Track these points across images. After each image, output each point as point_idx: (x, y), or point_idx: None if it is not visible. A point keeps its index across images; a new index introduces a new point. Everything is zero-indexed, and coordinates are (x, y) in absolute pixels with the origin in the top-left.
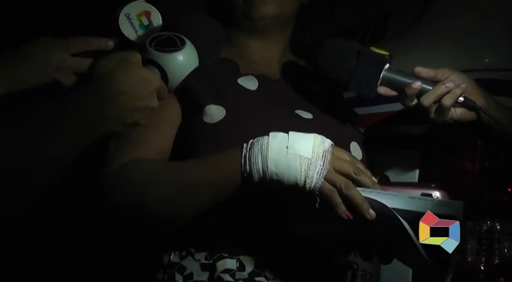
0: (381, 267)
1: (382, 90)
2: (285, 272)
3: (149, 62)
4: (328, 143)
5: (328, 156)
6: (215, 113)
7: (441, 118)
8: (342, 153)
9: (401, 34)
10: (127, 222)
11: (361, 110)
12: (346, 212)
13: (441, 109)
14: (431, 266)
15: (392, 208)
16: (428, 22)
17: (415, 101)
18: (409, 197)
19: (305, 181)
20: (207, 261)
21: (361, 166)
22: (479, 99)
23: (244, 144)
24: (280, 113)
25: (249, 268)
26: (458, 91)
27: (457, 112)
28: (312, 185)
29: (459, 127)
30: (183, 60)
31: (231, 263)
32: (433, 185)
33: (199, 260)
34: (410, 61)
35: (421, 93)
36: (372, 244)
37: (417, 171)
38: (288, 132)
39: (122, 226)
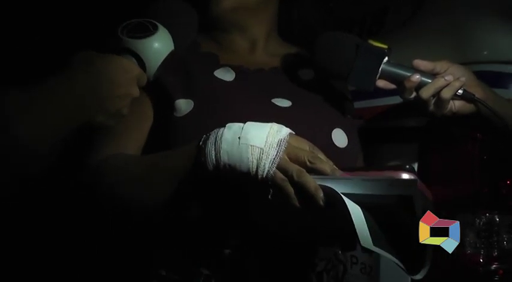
0: (381, 260)
1: (381, 83)
2: (265, 268)
3: (123, 51)
4: (285, 132)
5: (283, 146)
6: (184, 106)
7: (440, 111)
8: (300, 142)
9: (399, 28)
10: (105, 212)
11: (359, 104)
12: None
13: (440, 102)
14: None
15: (345, 193)
16: (427, 15)
17: (414, 94)
18: (362, 180)
19: (257, 170)
20: (188, 254)
21: (320, 155)
22: (478, 92)
23: (203, 136)
24: (253, 102)
25: (227, 263)
26: (457, 84)
27: (456, 105)
28: (264, 174)
29: (458, 120)
30: (158, 45)
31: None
32: (407, 166)
33: (180, 254)
34: (408, 55)
35: (420, 86)
36: (353, 233)
37: (416, 165)
38: (246, 123)
39: (101, 218)
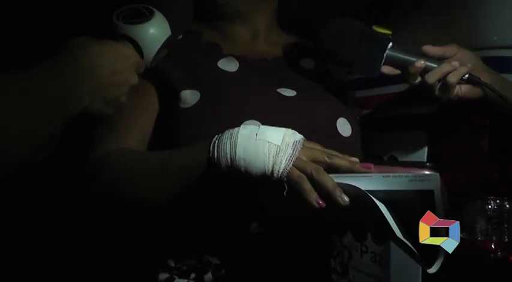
0: (391, 249)
1: (386, 69)
2: (272, 255)
3: (120, 37)
4: (299, 136)
5: (299, 146)
6: (189, 97)
7: (446, 95)
8: (313, 145)
9: (407, 14)
10: (104, 208)
11: (367, 92)
12: (318, 200)
13: (446, 86)
14: (412, 250)
15: (366, 190)
16: (435, 1)
17: (419, 79)
18: (383, 176)
19: (273, 167)
20: (196, 246)
21: (335, 152)
22: (485, 77)
23: (217, 135)
24: (258, 92)
25: (236, 252)
26: (463, 69)
27: (462, 89)
28: (280, 171)
29: (467, 106)
30: (155, 30)
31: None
32: (427, 164)
33: (189, 244)
34: (416, 41)
35: (425, 71)
36: (365, 225)
37: (425, 152)
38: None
39: (101, 214)
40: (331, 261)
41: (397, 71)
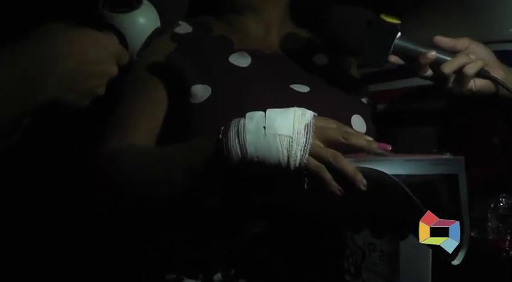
0: (400, 248)
1: (393, 59)
2: (283, 255)
3: (104, 27)
4: (309, 114)
5: (311, 130)
6: (200, 92)
7: (461, 88)
8: (325, 122)
9: (419, 5)
10: (113, 206)
11: (377, 86)
12: (339, 188)
13: (462, 78)
14: None
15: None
16: None
17: (429, 71)
18: (404, 160)
19: (288, 160)
20: (205, 245)
21: (350, 130)
22: (497, 72)
23: (221, 128)
24: (271, 88)
25: (246, 252)
26: (480, 62)
27: (477, 84)
28: (297, 163)
29: (478, 104)
30: (142, 20)
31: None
32: (447, 153)
33: (191, 242)
34: (429, 33)
35: (435, 63)
36: (383, 220)
37: (434, 149)
38: (266, 110)
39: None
40: (343, 261)
41: (402, 62)
